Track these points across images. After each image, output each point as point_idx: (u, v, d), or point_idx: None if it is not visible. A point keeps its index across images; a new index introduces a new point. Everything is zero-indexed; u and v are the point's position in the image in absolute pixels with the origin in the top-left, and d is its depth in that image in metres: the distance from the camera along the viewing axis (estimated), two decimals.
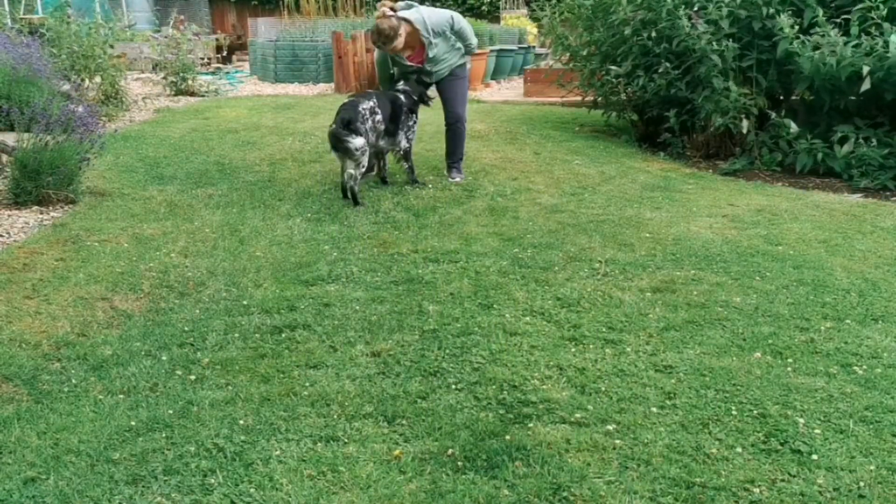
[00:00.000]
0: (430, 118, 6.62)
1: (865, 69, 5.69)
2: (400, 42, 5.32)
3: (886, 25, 5.84)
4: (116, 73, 8.62)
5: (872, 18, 5.84)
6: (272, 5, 16.04)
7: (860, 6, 5.99)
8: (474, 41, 5.73)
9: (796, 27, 6.12)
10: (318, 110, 8.83)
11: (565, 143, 7.33)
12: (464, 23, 5.61)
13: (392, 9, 5.37)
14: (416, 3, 5.55)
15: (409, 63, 5.53)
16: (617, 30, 7.32)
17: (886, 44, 5.73)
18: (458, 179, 5.79)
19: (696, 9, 6.65)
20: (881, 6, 5.90)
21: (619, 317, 3.45)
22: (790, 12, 6.26)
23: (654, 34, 6.88)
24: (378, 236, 4.59)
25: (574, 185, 5.80)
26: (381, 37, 5.30)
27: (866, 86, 5.73)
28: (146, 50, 11.70)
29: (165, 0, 17.05)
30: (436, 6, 6.10)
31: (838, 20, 6.19)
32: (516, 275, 3.96)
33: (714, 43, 6.38)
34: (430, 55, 5.48)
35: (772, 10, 6.24)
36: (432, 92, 5.84)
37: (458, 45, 5.62)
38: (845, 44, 5.87)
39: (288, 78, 12.23)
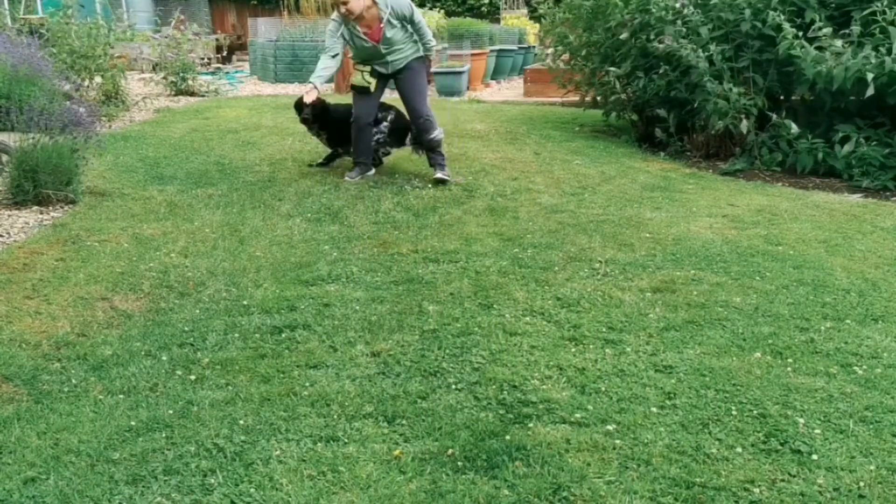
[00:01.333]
0: None
1: (870, 76, 5.70)
2: (356, 6, 5.23)
3: (892, 30, 5.80)
4: (117, 74, 8.62)
5: (878, 21, 5.82)
6: (272, 5, 16.03)
7: (867, 11, 5.95)
8: (432, 41, 5.65)
9: (794, 29, 6.12)
10: None
11: (565, 143, 7.33)
12: (422, 19, 5.55)
13: None
14: None
15: (364, 38, 5.40)
16: (615, 31, 7.33)
17: (889, 51, 5.73)
18: (442, 175, 5.69)
19: (680, 9, 6.69)
20: (887, 11, 5.86)
21: (619, 317, 3.45)
22: (791, 13, 6.27)
23: (652, 36, 6.90)
24: (378, 236, 4.59)
25: (574, 185, 5.80)
26: None
27: (870, 91, 5.73)
28: (146, 50, 11.71)
29: (165, 0, 17.05)
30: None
31: (840, 20, 6.19)
32: (516, 275, 3.96)
33: (699, 50, 6.41)
34: (388, 35, 5.38)
35: (768, 13, 6.23)
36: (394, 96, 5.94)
37: (416, 39, 5.55)
38: (845, 47, 5.87)
39: (288, 78, 12.23)
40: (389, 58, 5.51)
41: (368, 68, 5.58)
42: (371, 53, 5.50)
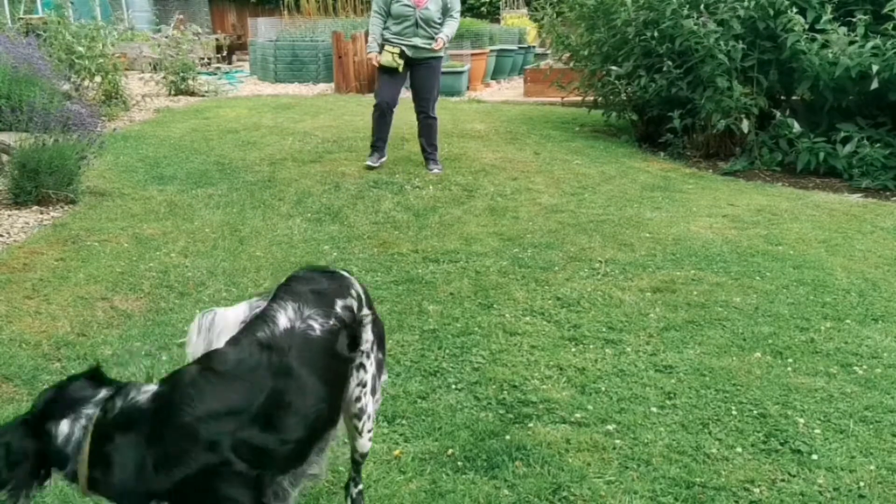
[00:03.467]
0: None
1: (874, 68, 5.70)
2: None
3: None
4: (116, 73, 8.61)
5: (893, 17, 5.82)
6: (272, 5, 16.02)
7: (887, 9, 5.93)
8: (450, 32, 5.85)
9: (802, 25, 6.13)
10: (318, 110, 8.83)
11: (565, 143, 7.33)
12: (458, 14, 5.87)
13: None
14: None
15: (409, 2, 5.66)
16: (619, 30, 7.31)
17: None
18: (436, 171, 5.96)
19: (701, 7, 6.64)
20: None
21: (619, 317, 3.45)
22: (795, 12, 6.27)
23: (656, 34, 6.88)
24: (378, 236, 4.59)
25: (574, 185, 5.80)
26: None
27: (874, 85, 5.73)
28: (146, 50, 11.69)
29: (165, 0, 17.05)
30: None
31: (842, 20, 6.19)
32: (516, 275, 3.96)
33: (721, 43, 6.38)
34: (429, 6, 5.67)
35: (785, 4, 6.22)
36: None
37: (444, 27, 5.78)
38: (851, 43, 5.87)
39: (288, 78, 12.22)
40: (421, 31, 5.68)
41: (398, 49, 5.74)
42: (406, 15, 5.67)
